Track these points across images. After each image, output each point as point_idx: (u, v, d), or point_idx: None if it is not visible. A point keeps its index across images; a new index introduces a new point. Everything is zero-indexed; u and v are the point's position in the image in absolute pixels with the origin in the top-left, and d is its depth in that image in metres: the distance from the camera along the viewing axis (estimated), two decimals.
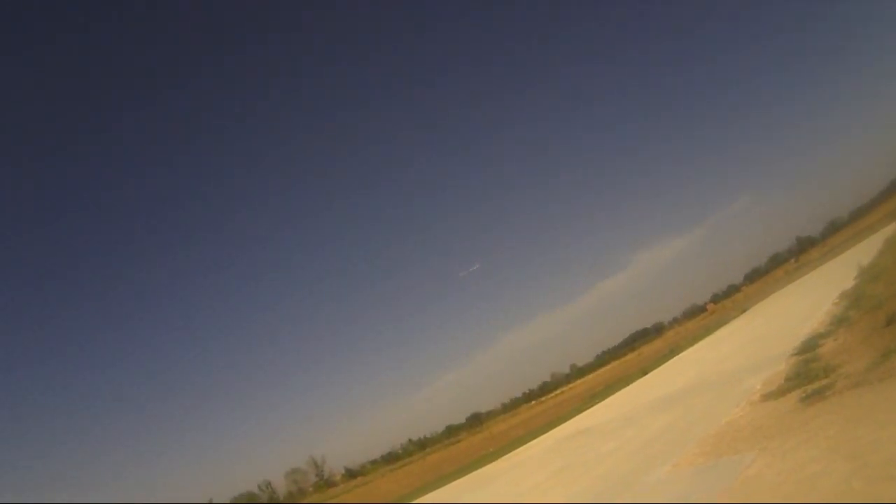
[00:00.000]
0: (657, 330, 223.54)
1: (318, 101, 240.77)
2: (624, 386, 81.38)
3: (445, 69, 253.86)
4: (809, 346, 28.41)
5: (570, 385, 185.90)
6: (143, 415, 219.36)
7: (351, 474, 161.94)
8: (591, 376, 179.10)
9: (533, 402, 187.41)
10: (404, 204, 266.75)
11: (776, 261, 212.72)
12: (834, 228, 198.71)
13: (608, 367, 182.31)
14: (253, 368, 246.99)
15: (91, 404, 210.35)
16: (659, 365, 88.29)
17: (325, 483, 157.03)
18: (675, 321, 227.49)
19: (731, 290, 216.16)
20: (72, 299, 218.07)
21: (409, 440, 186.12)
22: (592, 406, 73.94)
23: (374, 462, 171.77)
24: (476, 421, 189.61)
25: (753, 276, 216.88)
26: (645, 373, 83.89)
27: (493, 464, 61.29)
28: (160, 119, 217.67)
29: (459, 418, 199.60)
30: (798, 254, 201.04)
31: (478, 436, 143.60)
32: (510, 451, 65.80)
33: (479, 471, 60.43)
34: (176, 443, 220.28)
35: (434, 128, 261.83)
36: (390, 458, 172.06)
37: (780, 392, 22.30)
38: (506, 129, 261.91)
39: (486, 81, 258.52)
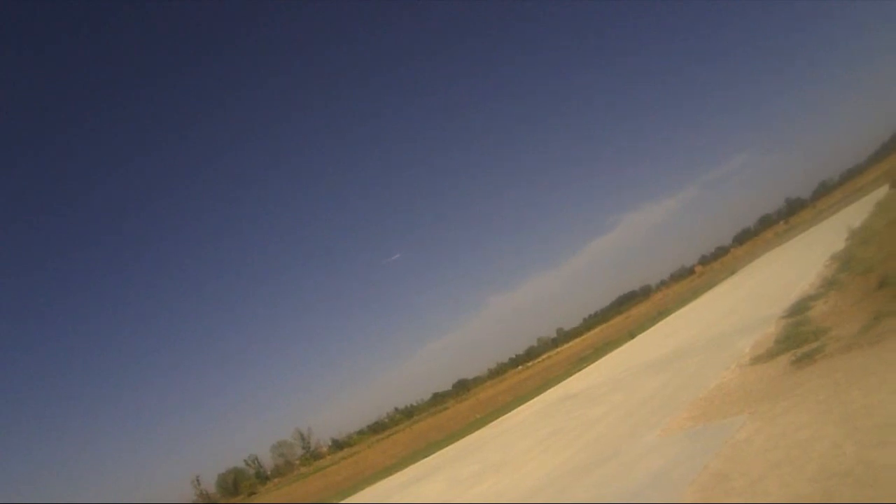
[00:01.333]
0: (645, 292, 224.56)
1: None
2: (612, 349, 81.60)
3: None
4: (800, 309, 28.39)
5: (558, 349, 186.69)
6: (125, 392, 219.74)
7: (338, 445, 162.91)
8: (578, 340, 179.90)
9: (520, 368, 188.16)
10: (398, 168, 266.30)
11: (766, 222, 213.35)
12: (824, 190, 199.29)
13: (595, 330, 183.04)
14: (237, 342, 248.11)
15: (73, 383, 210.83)
16: (647, 328, 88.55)
17: (311, 455, 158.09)
18: (663, 283, 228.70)
19: (720, 252, 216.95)
20: (56, 284, 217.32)
21: (396, 409, 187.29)
22: (580, 370, 74.13)
23: (360, 432, 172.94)
24: (463, 388, 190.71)
25: (743, 238, 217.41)
26: (633, 336, 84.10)
27: (481, 430, 61.42)
28: (155, 113, 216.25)
29: (446, 385, 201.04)
30: (788, 216, 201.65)
31: (465, 402, 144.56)
32: (498, 418, 66.01)
33: (467, 438, 60.57)
34: (160, 421, 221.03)
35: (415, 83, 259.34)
36: (377, 428, 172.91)
37: (770, 355, 22.25)
38: (492, 79, 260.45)
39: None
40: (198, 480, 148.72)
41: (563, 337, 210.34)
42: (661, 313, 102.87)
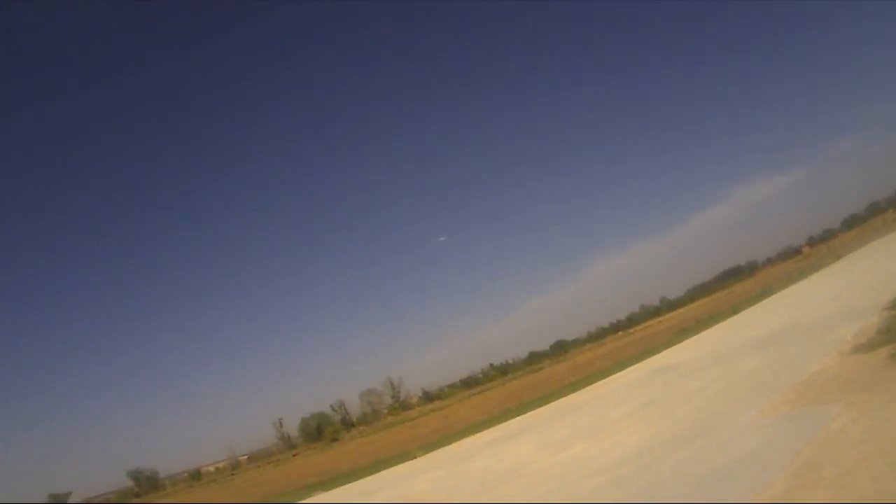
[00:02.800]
0: (750, 269, 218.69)
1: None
2: (714, 324, 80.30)
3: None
4: None
5: (659, 318, 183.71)
6: (216, 332, 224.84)
7: (428, 397, 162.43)
8: (680, 311, 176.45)
9: (620, 333, 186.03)
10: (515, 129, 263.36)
11: (875, 209, 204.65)
12: None
13: (698, 302, 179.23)
14: (333, 288, 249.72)
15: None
16: (750, 305, 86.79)
17: (400, 405, 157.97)
18: (769, 261, 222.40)
19: (828, 235, 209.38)
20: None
21: (491, 365, 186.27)
22: (681, 342, 73.18)
23: (452, 386, 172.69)
24: (560, 349, 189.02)
25: (851, 223, 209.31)
26: (736, 312, 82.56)
27: (576, 394, 61.36)
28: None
29: (543, 345, 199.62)
30: None
31: (561, 364, 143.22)
32: (594, 382, 65.74)
33: (561, 400, 60.63)
34: (247, 361, 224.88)
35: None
36: (470, 383, 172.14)
37: (872, 346, 21.86)
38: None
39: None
40: (280, 423, 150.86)
41: (666, 306, 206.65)
42: (766, 292, 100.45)
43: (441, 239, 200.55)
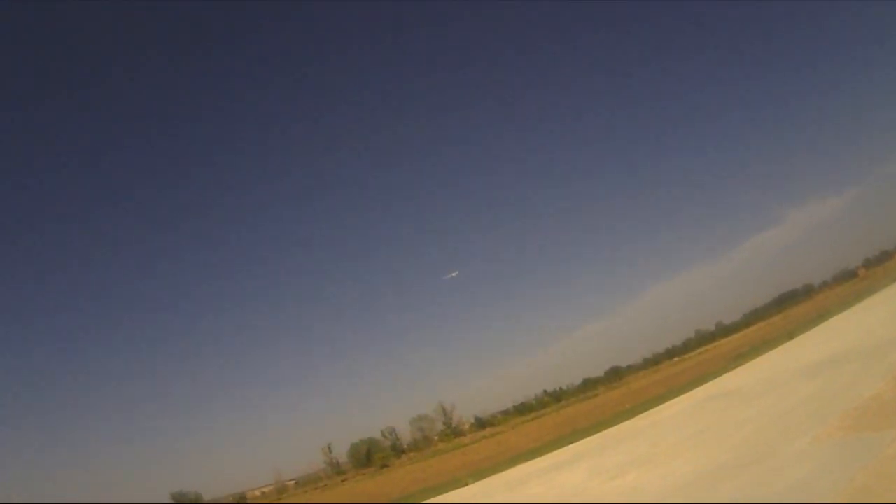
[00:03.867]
0: (806, 292, 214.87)
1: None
2: (769, 349, 79.07)
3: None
4: None
5: (715, 343, 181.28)
6: (267, 357, 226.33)
7: (480, 424, 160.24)
8: (736, 336, 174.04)
9: (675, 359, 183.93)
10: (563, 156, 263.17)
11: None
12: None
13: (754, 327, 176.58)
14: (388, 313, 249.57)
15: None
16: (806, 329, 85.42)
17: (452, 431, 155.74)
18: (825, 284, 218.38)
19: (884, 257, 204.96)
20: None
21: (545, 391, 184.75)
22: (736, 367, 72.22)
23: (505, 412, 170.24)
24: (615, 375, 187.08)
25: None
26: (791, 337, 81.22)
27: (630, 421, 60.88)
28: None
29: (598, 371, 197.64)
30: None
31: (616, 391, 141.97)
32: (648, 409, 65.17)
33: (615, 427, 60.23)
34: (296, 385, 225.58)
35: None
36: (523, 410, 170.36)
37: None
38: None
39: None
40: (329, 448, 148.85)
41: (722, 331, 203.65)
42: (821, 315, 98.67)
43: (453, 273, 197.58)
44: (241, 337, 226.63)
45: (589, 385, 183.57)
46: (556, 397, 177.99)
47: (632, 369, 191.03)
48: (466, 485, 55.78)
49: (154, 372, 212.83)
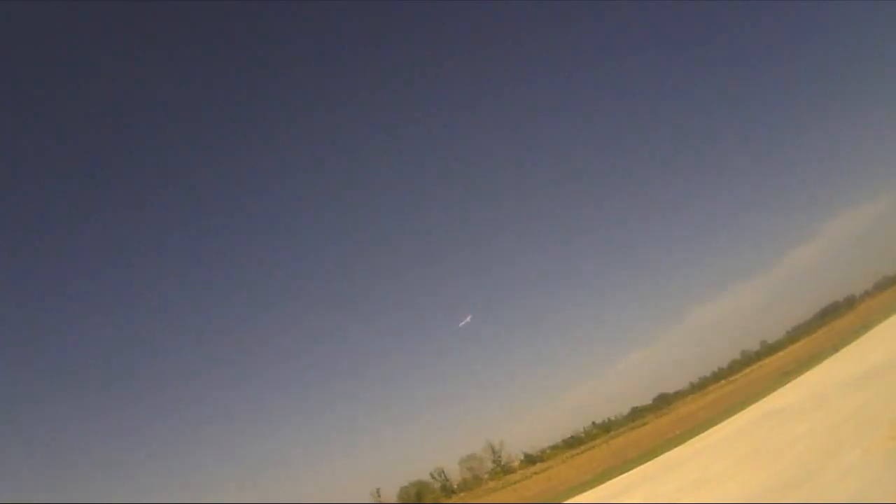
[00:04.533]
0: (849, 303, 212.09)
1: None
2: (815, 364, 78.19)
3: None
4: None
5: (761, 363, 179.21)
6: (312, 397, 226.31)
7: (530, 460, 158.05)
8: (781, 353, 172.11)
9: (722, 381, 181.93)
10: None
11: None
12: None
13: (799, 343, 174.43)
14: (433, 353, 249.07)
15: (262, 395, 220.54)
16: (850, 341, 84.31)
17: (502, 470, 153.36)
18: (867, 293, 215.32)
19: None
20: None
21: (593, 423, 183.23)
22: (783, 385, 71.46)
23: (555, 447, 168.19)
24: (663, 402, 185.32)
25: None
26: (836, 350, 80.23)
27: (679, 448, 60.40)
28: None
29: (646, 399, 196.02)
30: None
31: (664, 417, 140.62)
32: (697, 435, 64.59)
33: (666, 454, 59.73)
34: (345, 429, 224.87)
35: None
36: (573, 443, 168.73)
37: None
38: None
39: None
40: (378, 493, 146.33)
41: (767, 350, 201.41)
42: (865, 326, 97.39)
43: (468, 319, 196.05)
44: (287, 379, 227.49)
45: (637, 414, 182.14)
46: (606, 428, 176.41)
47: (679, 395, 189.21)
48: None
49: (203, 405, 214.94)
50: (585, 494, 55.84)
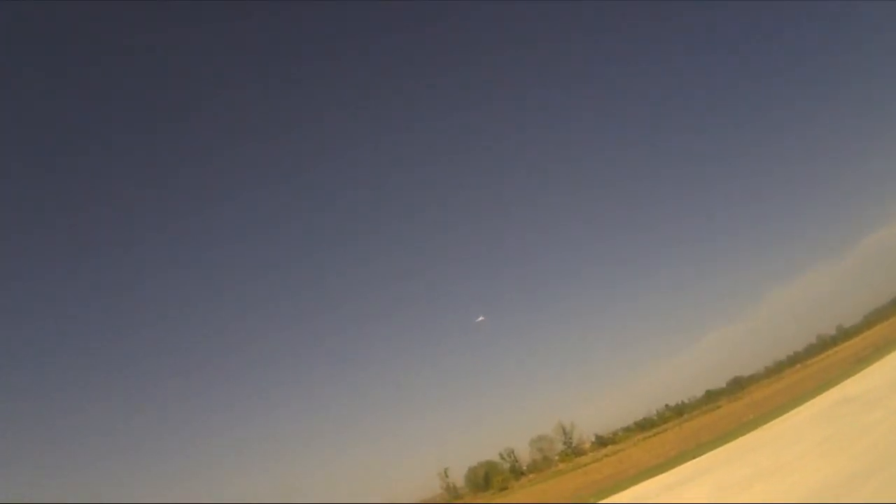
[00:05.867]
0: None
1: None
2: (892, 350, 76.50)
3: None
4: None
5: (836, 348, 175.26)
6: (382, 379, 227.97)
7: (601, 442, 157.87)
8: (857, 339, 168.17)
9: (797, 366, 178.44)
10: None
11: None
12: None
13: (875, 328, 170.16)
14: (505, 333, 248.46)
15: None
16: None
17: (572, 451, 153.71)
18: None
19: None
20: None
21: (666, 406, 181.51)
22: (859, 371, 70.06)
23: (627, 429, 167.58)
24: (737, 385, 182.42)
25: None
26: None
27: (754, 432, 59.67)
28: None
29: (720, 382, 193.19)
30: None
31: (739, 402, 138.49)
32: (772, 420, 63.73)
33: (739, 440, 59.09)
34: (414, 409, 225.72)
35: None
36: (645, 425, 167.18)
37: None
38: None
39: None
40: (446, 473, 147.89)
41: (843, 335, 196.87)
42: None
43: (480, 318, 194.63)
44: (356, 361, 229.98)
45: (711, 397, 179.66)
46: (679, 411, 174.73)
47: (754, 378, 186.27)
48: None
49: (271, 386, 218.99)
50: (656, 479, 55.63)
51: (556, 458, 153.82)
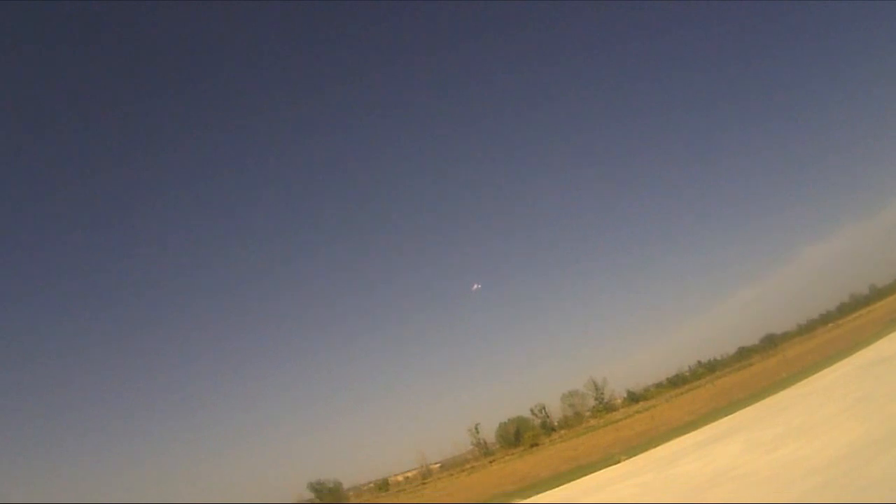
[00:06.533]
0: None
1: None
2: None
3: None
4: None
5: (870, 307, 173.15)
6: (412, 339, 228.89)
7: (633, 398, 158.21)
8: (891, 298, 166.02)
9: (830, 325, 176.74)
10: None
11: None
12: None
13: None
14: (536, 288, 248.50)
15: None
16: None
17: (604, 407, 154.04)
18: None
19: None
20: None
21: (699, 362, 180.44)
22: (893, 332, 69.42)
23: (658, 385, 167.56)
24: (770, 343, 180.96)
25: None
26: None
27: (787, 390, 59.42)
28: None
29: (753, 339, 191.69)
30: None
31: (771, 359, 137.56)
32: (804, 378, 63.41)
33: (771, 397, 58.90)
34: (444, 365, 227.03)
35: None
36: (677, 382, 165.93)
37: None
38: None
39: None
40: (476, 429, 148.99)
41: (876, 294, 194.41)
42: None
43: (476, 286, 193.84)
44: (386, 320, 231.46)
45: (744, 354, 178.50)
46: (711, 368, 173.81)
47: (787, 336, 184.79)
48: (619, 462, 55.64)
49: (305, 357, 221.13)
50: (687, 436, 55.54)
51: (588, 413, 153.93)
